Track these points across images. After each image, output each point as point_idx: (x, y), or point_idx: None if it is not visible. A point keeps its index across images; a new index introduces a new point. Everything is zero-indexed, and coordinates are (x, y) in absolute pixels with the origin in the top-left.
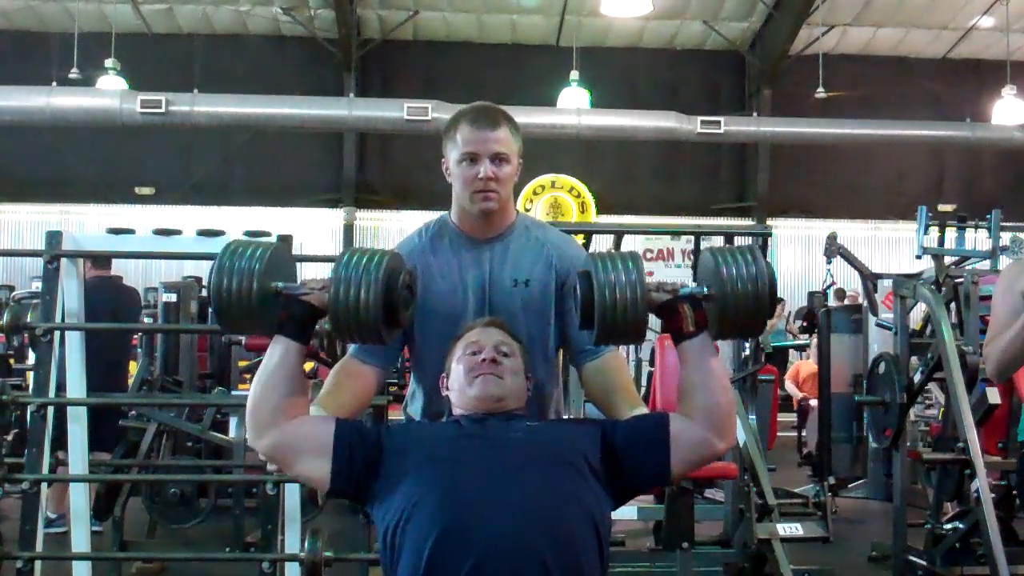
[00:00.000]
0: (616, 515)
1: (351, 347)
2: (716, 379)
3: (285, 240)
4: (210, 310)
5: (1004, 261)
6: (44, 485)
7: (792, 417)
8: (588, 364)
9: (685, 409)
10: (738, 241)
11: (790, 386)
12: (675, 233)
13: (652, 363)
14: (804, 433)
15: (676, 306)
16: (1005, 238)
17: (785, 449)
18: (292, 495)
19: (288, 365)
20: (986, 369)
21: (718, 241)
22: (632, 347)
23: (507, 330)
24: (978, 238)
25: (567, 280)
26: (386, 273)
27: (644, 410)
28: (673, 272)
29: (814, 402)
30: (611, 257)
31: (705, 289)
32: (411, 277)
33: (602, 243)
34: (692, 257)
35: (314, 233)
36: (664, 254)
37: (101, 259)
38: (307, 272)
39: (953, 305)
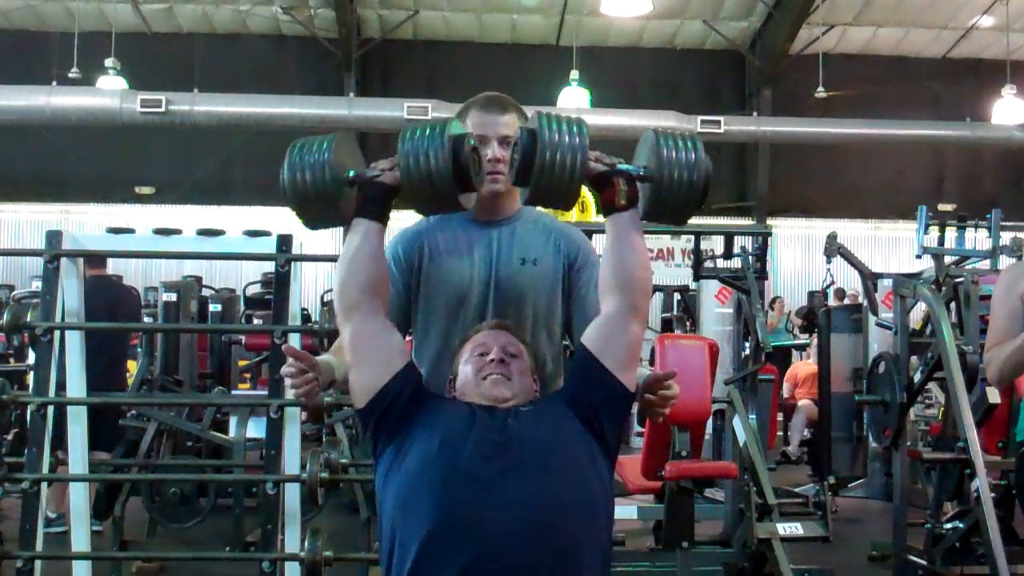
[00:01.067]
0: (616, 515)
1: None
2: (637, 254)
3: (285, 240)
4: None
5: (1004, 261)
6: (44, 485)
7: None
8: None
9: (603, 285)
10: (738, 241)
11: (786, 387)
12: (675, 233)
13: (652, 363)
14: (789, 432)
15: (611, 178)
16: (1005, 238)
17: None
18: (292, 495)
19: (371, 244)
20: (987, 376)
21: (718, 240)
22: None
23: (513, 332)
24: (978, 238)
25: (574, 264)
26: (451, 138)
27: (649, 370)
28: (673, 272)
29: (802, 401)
30: (559, 118)
31: (641, 169)
32: (475, 137)
33: (602, 243)
34: (692, 257)
35: (314, 233)
36: (664, 254)
37: (96, 258)
38: (307, 272)
39: (953, 305)
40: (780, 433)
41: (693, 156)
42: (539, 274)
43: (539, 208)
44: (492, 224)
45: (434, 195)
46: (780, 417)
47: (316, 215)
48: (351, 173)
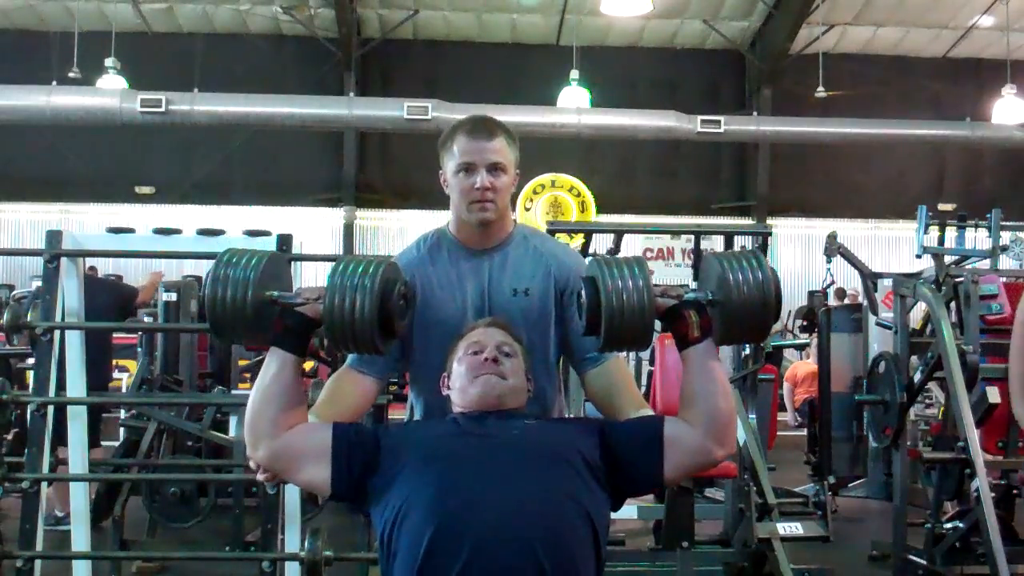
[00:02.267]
0: (616, 514)
1: (349, 357)
2: (719, 385)
3: (285, 240)
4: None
5: (1004, 260)
6: (44, 484)
7: (784, 416)
8: (591, 371)
9: (686, 415)
10: (738, 240)
11: (786, 387)
12: (675, 232)
13: (652, 362)
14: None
15: (681, 311)
16: (1005, 237)
17: (785, 448)
18: (292, 494)
19: (284, 378)
20: (1013, 405)
21: (718, 240)
22: None
23: (509, 330)
24: (978, 237)
25: (566, 288)
26: (381, 283)
27: (649, 412)
28: (673, 271)
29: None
30: (616, 262)
31: (710, 294)
32: (407, 287)
33: (602, 242)
34: (692, 256)
35: (314, 233)
36: (664, 253)
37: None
38: (307, 272)
39: (953, 304)
40: (784, 433)
41: (760, 275)
42: (531, 304)
43: (531, 227)
44: (484, 253)
45: (353, 338)
46: (784, 416)
47: (230, 335)
48: (274, 295)
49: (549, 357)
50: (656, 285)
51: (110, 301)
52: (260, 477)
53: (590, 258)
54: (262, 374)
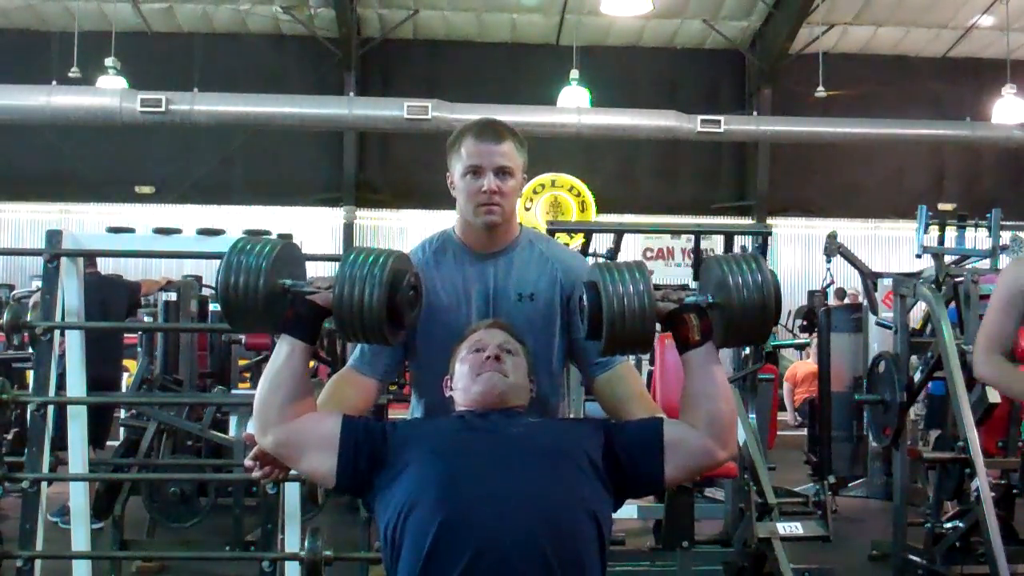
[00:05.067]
0: (616, 514)
1: (351, 358)
2: (719, 388)
3: (285, 239)
4: (211, 307)
5: (1004, 260)
6: (44, 484)
7: (784, 416)
8: (600, 376)
9: (688, 417)
10: (738, 240)
11: (786, 387)
12: (675, 232)
13: (652, 362)
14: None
15: (682, 315)
16: (1005, 237)
17: (785, 448)
18: (292, 494)
19: (294, 365)
20: (973, 367)
21: (718, 240)
22: None
23: (510, 331)
24: (978, 237)
25: (573, 294)
26: (391, 273)
27: (661, 415)
28: (673, 271)
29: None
30: (617, 267)
31: (710, 298)
32: (417, 278)
33: (602, 242)
34: (692, 256)
35: (314, 232)
36: (664, 253)
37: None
38: (309, 271)
39: (953, 304)
40: (783, 433)
41: (760, 277)
42: (535, 310)
43: (537, 231)
44: (489, 257)
45: (362, 328)
46: (783, 416)
47: (242, 322)
48: (286, 283)
49: (552, 364)
50: (657, 288)
51: (124, 300)
52: (256, 475)
53: (591, 263)
54: (272, 361)
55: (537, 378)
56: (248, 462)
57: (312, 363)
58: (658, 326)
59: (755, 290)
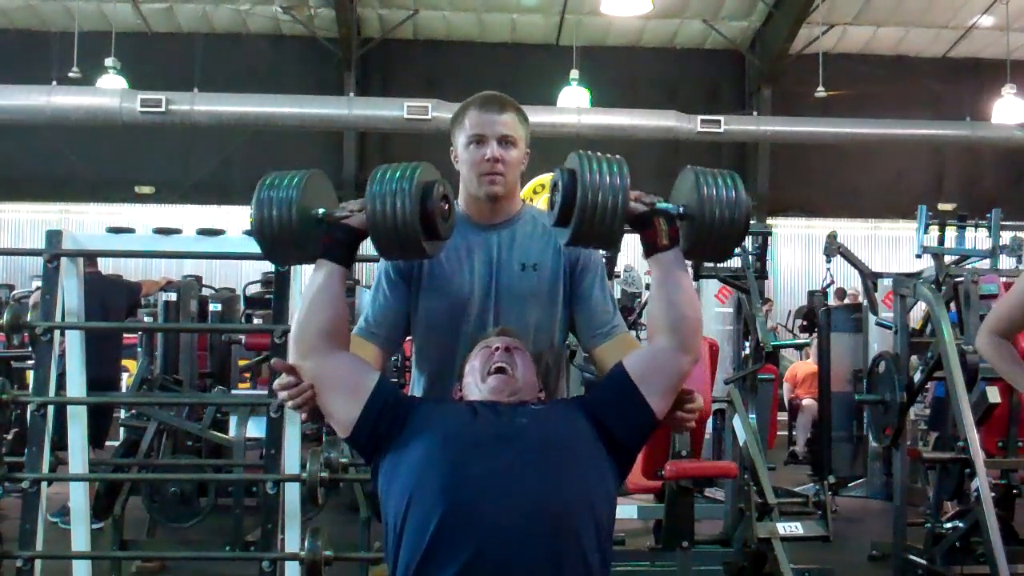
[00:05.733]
0: (616, 515)
1: (355, 326)
2: (684, 293)
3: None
4: (211, 307)
5: (1004, 260)
6: (44, 484)
7: (784, 416)
8: (601, 346)
9: (653, 324)
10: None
11: (786, 387)
12: None
13: None
14: (795, 432)
15: (651, 219)
16: (1005, 237)
17: (785, 448)
18: (292, 494)
19: (332, 288)
20: (976, 338)
21: None
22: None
23: (518, 337)
24: (978, 237)
25: (576, 265)
26: (419, 184)
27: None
28: None
29: (806, 401)
30: (599, 158)
31: (682, 208)
32: (446, 187)
33: None
34: None
35: None
36: None
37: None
38: (307, 271)
39: (953, 304)
40: (783, 433)
41: (733, 194)
42: (539, 279)
43: (539, 207)
44: (492, 228)
45: (398, 241)
46: (783, 416)
47: (282, 254)
48: (320, 212)
49: (555, 335)
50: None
51: (123, 300)
52: (283, 396)
53: (574, 153)
54: (309, 285)
55: (539, 348)
56: (276, 384)
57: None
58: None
59: (727, 206)
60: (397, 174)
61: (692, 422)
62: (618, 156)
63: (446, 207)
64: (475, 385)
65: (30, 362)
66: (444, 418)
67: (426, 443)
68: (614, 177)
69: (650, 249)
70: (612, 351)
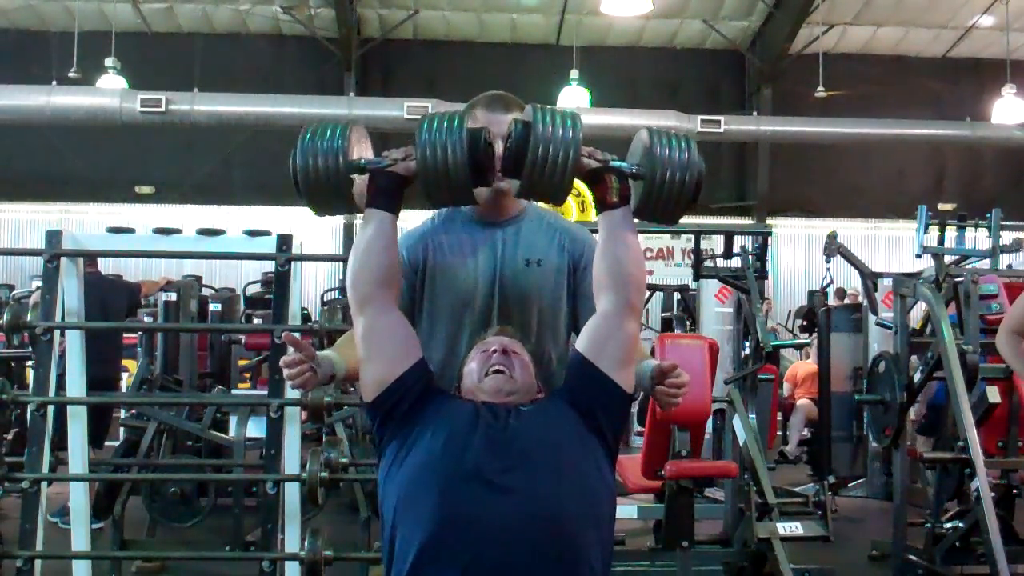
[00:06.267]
0: (616, 515)
1: None
2: (630, 251)
3: (285, 240)
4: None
5: (1004, 260)
6: (44, 484)
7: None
8: None
9: (598, 282)
10: (738, 240)
11: (786, 387)
12: (675, 232)
13: None
14: (788, 432)
15: (603, 175)
16: (1005, 237)
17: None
18: (292, 494)
19: (384, 234)
20: (996, 337)
21: (718, 240)
22: None
23: (516, 337)
24: (978, 237)
25: (580, 261)
26: (468, 132)
27: (654, 362)
28: (673, 271)
29: (800, 401)
30: (553, 112)
31: (635, 168)
32: (491, 134)
33: None
34: (692, 256)
35: (314, 233)
36: (664, 253)
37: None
38: (307, 272)
39: (953, 304)
40: (780, 433)
41: (687, 156)
42: (543, 275)
43: (543, 205)
44: (497, 224)
45: (449, 187)
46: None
47: (325, 203)
48: (363, 162)
49: (560, 331)
50: (587, 145)
51: (123, 300)
52: (289, 372)
53: (529, 106)
54: (359, 237)
55: (543, 344)
56: (285, 359)
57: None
58: (656, 324)
59: (679, 168)
60: (445, 123)
61: (678, 398)
62: (575, 112)
63: (492, 153)
64: (472, 387)
65: (30, 362)
66: (450, 418)
67: (428, 444)
68: (567, 131)
69: (600, 205)
70: None
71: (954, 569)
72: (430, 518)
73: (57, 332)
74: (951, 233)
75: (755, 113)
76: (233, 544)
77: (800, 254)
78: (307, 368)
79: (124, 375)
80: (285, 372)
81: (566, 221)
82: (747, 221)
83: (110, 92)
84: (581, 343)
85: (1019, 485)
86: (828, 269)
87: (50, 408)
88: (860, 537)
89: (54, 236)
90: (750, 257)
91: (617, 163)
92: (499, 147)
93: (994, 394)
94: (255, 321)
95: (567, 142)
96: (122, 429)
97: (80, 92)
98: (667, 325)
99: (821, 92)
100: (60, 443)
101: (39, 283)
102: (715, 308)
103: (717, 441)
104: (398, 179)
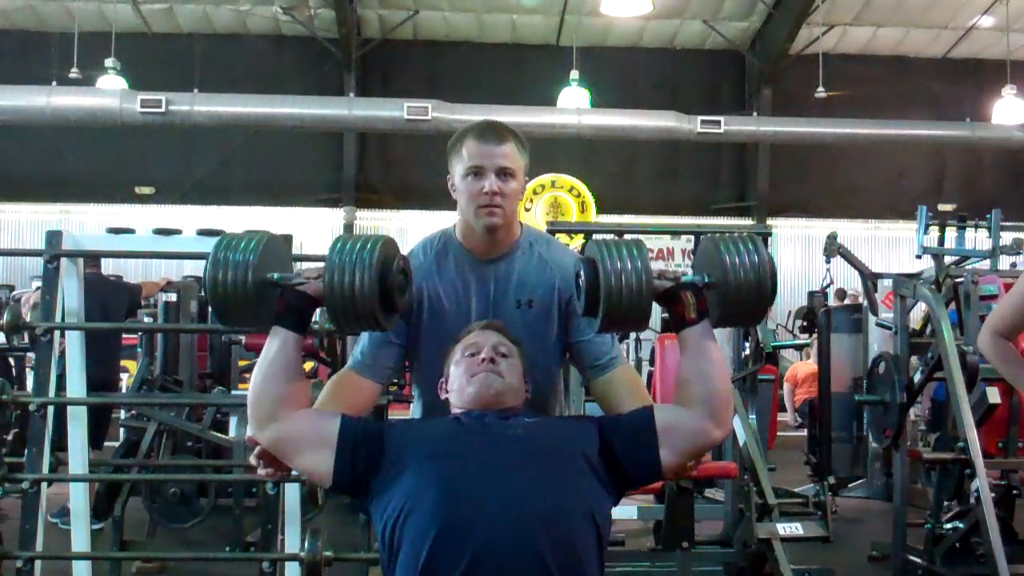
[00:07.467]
0: (616, 515)
1: (350, 359)
2: (715, 367)
3: (285, 239)
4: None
5: (1004, 261)
6: (44, 485)
7: (784, 417)
8: (599, 378)
9: (682, 396)
10: None
11: (786, 387)
12: (675, 232)
13: (652, 363)
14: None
15: (678, 293)
16: (1005, 238)
17: (785, 449)
18: (292, 494)
19: (287, 356)
20: (978, 337)
21: None
22: (632, 347)
23: (505, 332)
24: (978, 238)
25: (571, 299)
26: (380, 258)
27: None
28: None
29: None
30: (616, 244)
31: (706, 277)
32: (405, 262)
33: None
34: (692, 257)
35: (314, 233)
36: (664, 253)
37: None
38: (307, 267)
39: (953, 305)
40: (783, 433)
41: (756, 258)
42: (534, 316)
43: (536, 230)
44: (490, 262)
45: (355, 314)
46: (784, 416)
47: (233, 317)
48: (275, 276)
49: (551, 368)
50: (656, 267)
51: (123, 301)
52: (261, 472)
53: (592, 242)
54: (264, 355)
55: (535, 382)
56: (253, 460)
57: (311, 364)
58: (657, 325)
59: (751, 270)
60: (358, 246)
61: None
62: (637, 239)
63: (404, 280)
64: (459, 392)
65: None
66: (425, 437)
67: (411, 465)
68: (634, 259)
69: (679, 324)
70: (612, 384)
71: (954, 570)
72: (428, 529)
73: (57, 332)
74: (951, 234)
75: (755, 114)
76: (233, 545)
77: (800, 254)
78: (271, 463)
79: (124, 376)
80: (260, 472)
81: (560, 250)
82: (747, 221)
83: (110, 92)
84: (660, 411)
85: (1019, 485)
86: (828, 270)
87: (50, 409)
88: (860, 538)
89: (54, 237)
90: None
91: (689, 279)
92: (491, 182)
93: (994, 395)
94: None
95: (636, 270)
96: (122, 430)
97: (80, 92)
98: (667, 326)
99: (821, 93)
100: (60, 443)
101: (38, 283)
102: None
103: None
104: (308, 299)
